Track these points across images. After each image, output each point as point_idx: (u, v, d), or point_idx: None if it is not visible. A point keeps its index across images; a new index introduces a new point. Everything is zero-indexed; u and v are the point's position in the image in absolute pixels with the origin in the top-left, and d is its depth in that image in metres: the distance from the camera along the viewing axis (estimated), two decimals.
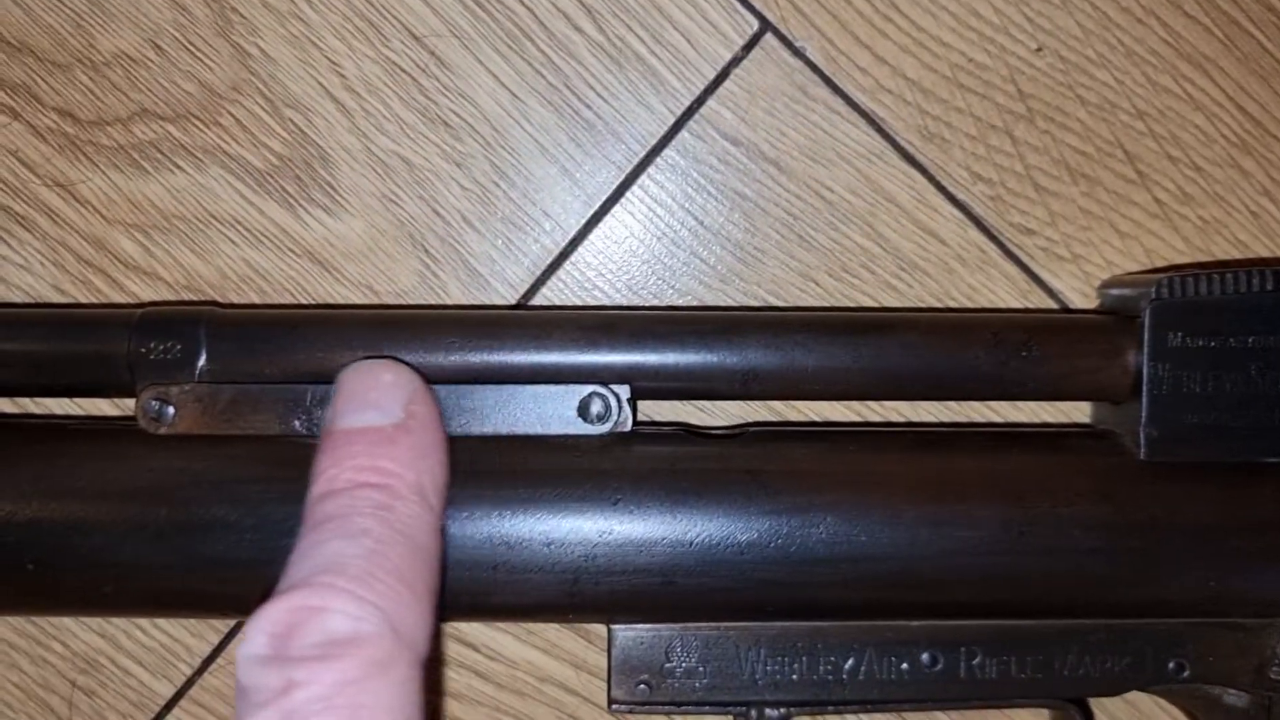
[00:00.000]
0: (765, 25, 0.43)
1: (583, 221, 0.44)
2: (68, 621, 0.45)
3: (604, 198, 0.44)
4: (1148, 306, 0.37)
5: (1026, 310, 0.44)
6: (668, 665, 0.38)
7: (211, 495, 0.36)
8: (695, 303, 0.44)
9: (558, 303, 0.44)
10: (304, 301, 0.44)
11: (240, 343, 0.37)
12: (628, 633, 0.38)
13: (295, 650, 0.27)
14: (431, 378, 0.37)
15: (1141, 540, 0.37)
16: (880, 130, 0.43)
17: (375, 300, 0.44)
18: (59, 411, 0.44)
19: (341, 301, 0.44)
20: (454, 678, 0.45)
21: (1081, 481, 0.37)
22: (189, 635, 0.45)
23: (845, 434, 0.40)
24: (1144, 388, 0.37)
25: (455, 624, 0.44)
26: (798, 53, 0.43)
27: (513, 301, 0.44)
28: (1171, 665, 0.39)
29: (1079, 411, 0.43)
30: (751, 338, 0.37)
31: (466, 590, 0.36)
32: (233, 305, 0.44)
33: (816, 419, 0.44)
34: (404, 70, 0.43)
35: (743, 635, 0.38)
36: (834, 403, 0.44)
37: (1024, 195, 0.44)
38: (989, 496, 0.37)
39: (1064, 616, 0.38)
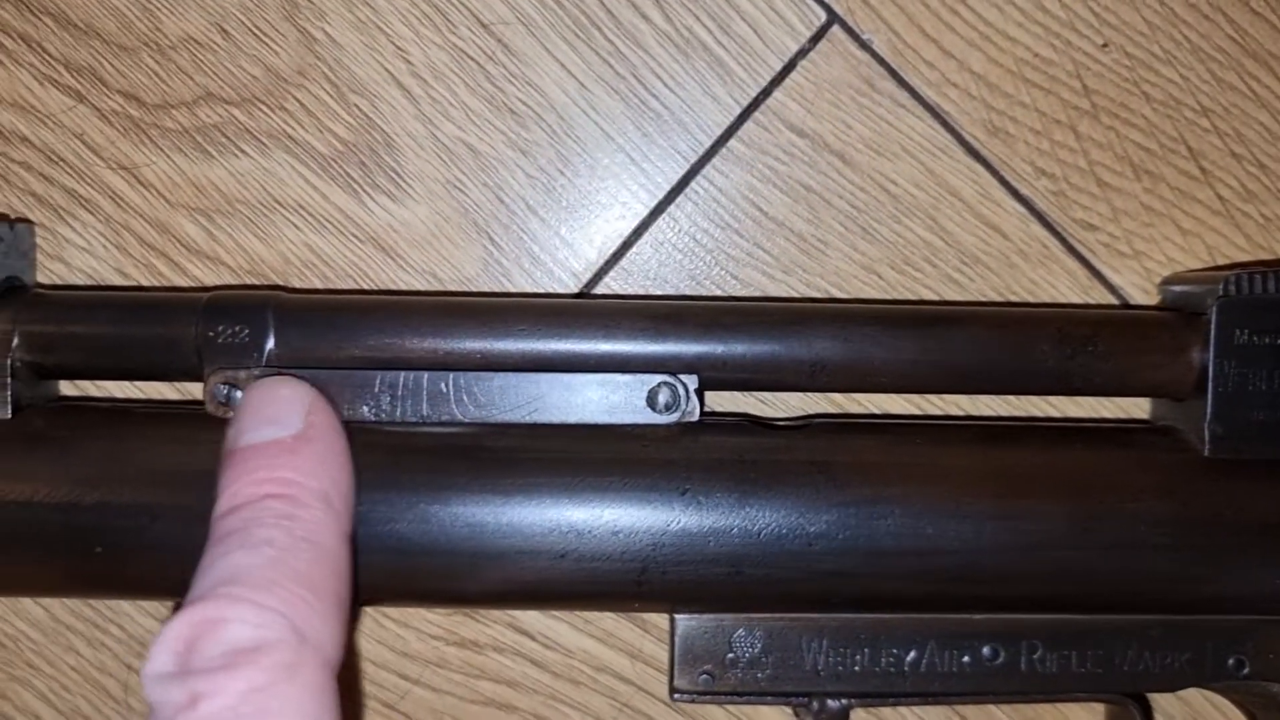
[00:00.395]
0: (833, 17, 0.43)
1: (647, 211, 0.44)
2: (125, 605, 0.45)
3: (668, 188, 0.44)
4: (1214, 304, 0.37)
5: (1089, 306, 0.44)
6: (730, 655, 0.38)
7: None
8: (758, 293, 0.44)
9: (620, 292, 0.44)
10: (366, 287, 0.44)
11: (308, 328, 0.37)
12: (690, 622, 0.38)
13: (198, 663, 0.27)
14: (500, 365, 0.37)
15: (1206, 537, 0.37)
16: (945, 124, 0.43)
17: (438, 287, 0.44)
18: (118, 395, 0.44)
19: (404, 288, 0.44)
20: (509, 665, 0.45)
21: (1147, 477, 0.37)
22: None
23: (911, 427, 0.40)
24: (1209, 384, 0.38)
25: (512, 611, 0.45)
26: (864, 45, 0.43)
27: (575, 290, 0.44)
28: (1231, 662, 0.39)
29: (1137, 408, 0.43)
30: (820, 329, 0.38)
31: (533, 578, 0.36)
32: (297, 290, 0.44)
33: (876, 411, 0.44)
34: (470, 57, 0.43)
35: (806, 626, 0.38)
36: (894, 395, 0.44)
37: (1087, 191, 0.44)
38: (1055, 491, 0.37)
39: (1126, 612, 0.38)
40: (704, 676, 0.38)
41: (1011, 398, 0.44)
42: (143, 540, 0.36)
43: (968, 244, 0.44)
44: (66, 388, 0.43)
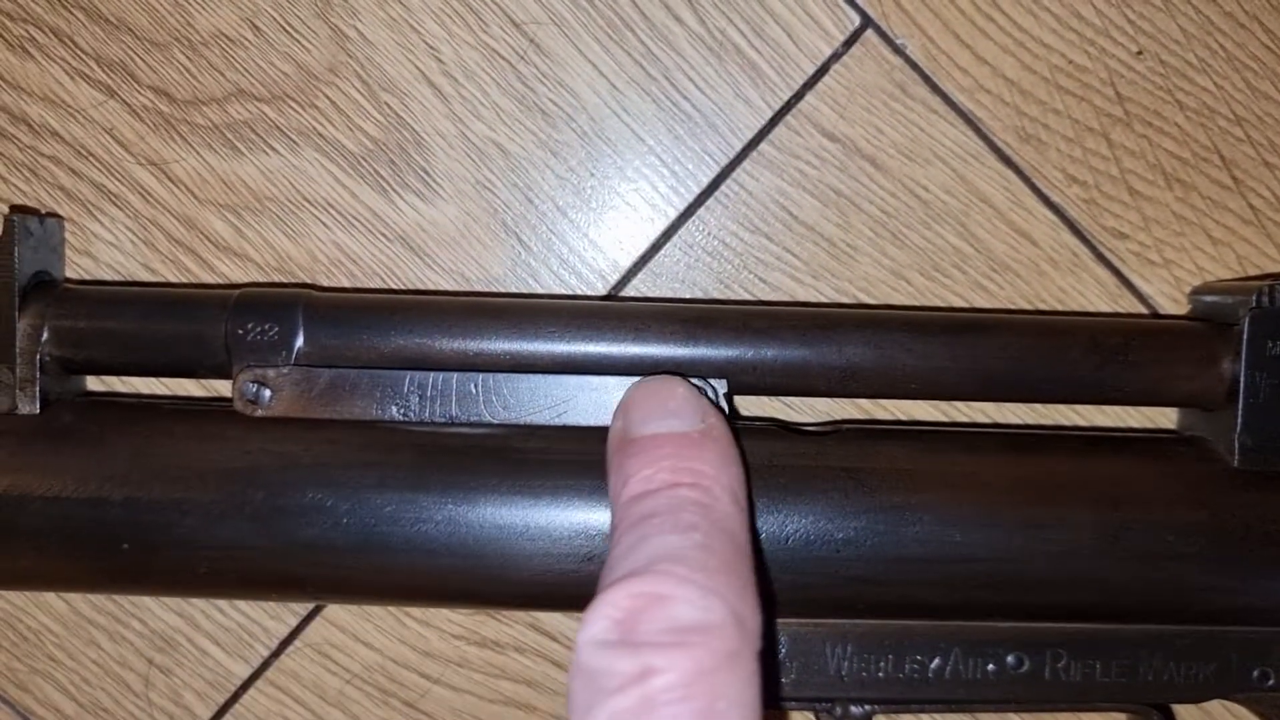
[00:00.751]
0: (866, 22, 0.43)
1: (676, 214, 0.44)
2: (147, 600, 0.45)
3: (698, 191, 0.43)
4: (1247, 314, 0.37)
5: (1120, 315, 0.44)
6: None
7: (308, 479, 0.36)
8: (786, 298, 0.44)
9: (649, 294, 0.44)
10: (395, 286, 0.44)
11: (337, 326, 0.37)
12: None
13: (643, 635, 0.26)
14: (529, 366, 0.37)
15: (1235, 548, 0.37)
16: (977, 130, 0.43)
17: (466, 287, 0.44)
18: (145, 391, 0.44)
19: (432, 287, 0.44)
20: (530, 665, 0.45)
21: (1176, 488, 0.37)
22: (267, 617, 0.45)
23: (940, 434, 0.40)
24: (1240, 396, 0.37)
25: (535, 613, 0.44)
26: (898, 50, 0.43)
27: (604, 292, 0.44)
28: (1257, 673, 0.39)
29: (1164, 418, 0.43)
30: (852, 335, 0.37)
31: (559, 580, 0.36)
32: (325, 289, 0.44)
33: (901, 416, 0.44)
34: (502, 57, 0.43)
35: (831, 632, 0.38)
36: (920, 401, 0.43)
37: (1118, 199, 0.43)
38: (1084, 501, 0.37)
39: (1152, 622, 0.38)
40: None
41: (1038, 406, 0.44)
42: (171, 536, 0.36)
43: (998, 251, 0.44)
44: (93, 383, 0.43)
